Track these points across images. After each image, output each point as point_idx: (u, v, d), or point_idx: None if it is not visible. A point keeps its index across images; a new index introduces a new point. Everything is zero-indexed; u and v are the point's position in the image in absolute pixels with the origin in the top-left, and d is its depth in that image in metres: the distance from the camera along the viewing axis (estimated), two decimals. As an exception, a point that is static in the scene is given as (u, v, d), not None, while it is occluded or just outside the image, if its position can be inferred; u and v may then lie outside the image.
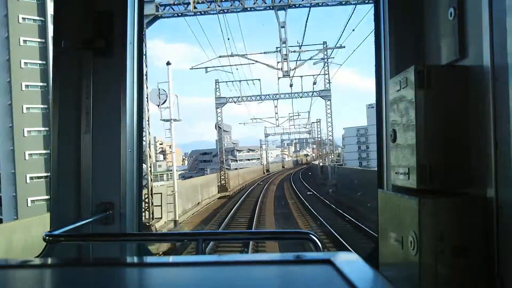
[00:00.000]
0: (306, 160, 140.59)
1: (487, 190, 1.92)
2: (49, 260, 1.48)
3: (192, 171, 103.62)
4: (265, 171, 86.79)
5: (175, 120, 24.00)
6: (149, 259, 1.57)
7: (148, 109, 21.02)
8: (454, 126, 2.11)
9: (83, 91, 2.61)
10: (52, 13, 2.66)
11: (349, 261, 1.09)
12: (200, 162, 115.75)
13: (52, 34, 2.63)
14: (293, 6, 23.36)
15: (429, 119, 2.11)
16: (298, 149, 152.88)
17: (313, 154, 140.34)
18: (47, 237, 2.05)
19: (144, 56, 2.96)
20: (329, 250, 12.27)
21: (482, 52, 1.93)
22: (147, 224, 19.05)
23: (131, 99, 2.70)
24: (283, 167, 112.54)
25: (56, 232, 2.09)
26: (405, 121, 2.24)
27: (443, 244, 1.94)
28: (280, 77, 32.15)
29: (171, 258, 1.86)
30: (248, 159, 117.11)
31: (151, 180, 20.78)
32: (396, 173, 2.38)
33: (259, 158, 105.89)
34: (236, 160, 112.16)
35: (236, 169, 78.88)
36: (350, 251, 9.56)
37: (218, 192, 38.33)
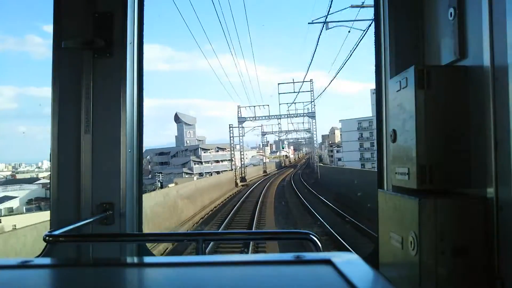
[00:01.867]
0: (289, 161, 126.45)
1: (487, 190, 1.91)
2: (49, 260, 1.48)
3: (145, 176, 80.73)
4: (238, 181, 50.51)
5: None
6: (149, 259, 1.57)
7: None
8: (454, 126, 2.11)
9: (83, 91, 2.61)
10: (53, 13, 2.66)
11: (349, 261, 1.09)
12: (155, 165, 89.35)
13: (52, 34, 2.63)
14: None
15: (429, 119, 2.11)
16: (275, 150, 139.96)
17: (292, 155, 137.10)
18: (47, 237, 2.05)
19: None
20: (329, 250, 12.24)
21: (482, 52, 1.93)
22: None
23: (131, 99, 2.70)
24: (265, 172, 78.02)
25: (56, 232, 2.09)
26: (405, 121, 2.24)
27: (443, 244, 1.94)
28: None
29: (171, 258, 1.86)
30: (217, 161, 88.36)
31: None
32: (396, 173, 2.38)
33: (232, 160, 64.02)
34: (201, 162, 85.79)
35: (196, 176, 51.07)
36: (350, 251, 9.55)
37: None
